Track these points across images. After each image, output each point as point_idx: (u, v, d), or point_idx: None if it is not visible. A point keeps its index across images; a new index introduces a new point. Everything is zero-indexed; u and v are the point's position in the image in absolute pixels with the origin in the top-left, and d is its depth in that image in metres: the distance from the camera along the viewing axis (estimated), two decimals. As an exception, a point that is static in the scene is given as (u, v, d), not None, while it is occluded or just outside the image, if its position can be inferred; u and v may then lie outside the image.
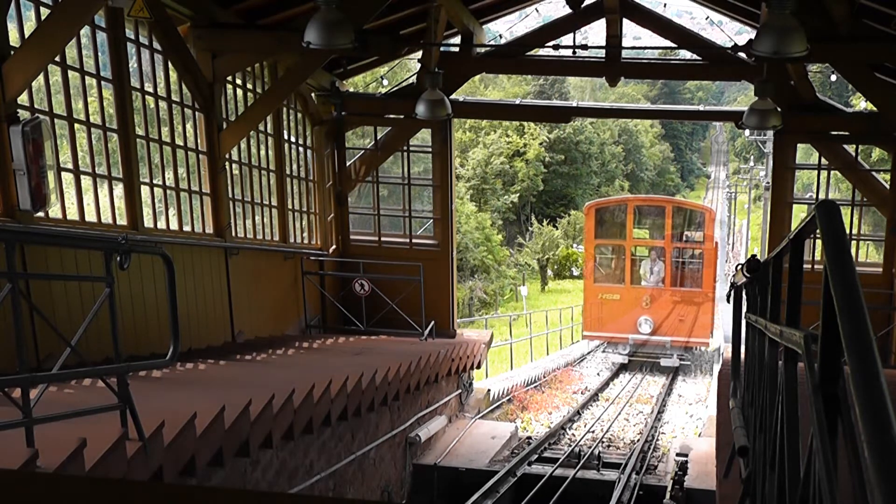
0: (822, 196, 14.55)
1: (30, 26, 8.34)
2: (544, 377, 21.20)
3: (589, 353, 27.12)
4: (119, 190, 9.74)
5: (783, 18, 8.65)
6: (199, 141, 11.49)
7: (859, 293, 1.97)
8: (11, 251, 4.09)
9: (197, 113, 11.40)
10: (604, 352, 25.63)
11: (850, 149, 14.15)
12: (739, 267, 7.98)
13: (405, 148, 15.32)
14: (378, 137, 15.29)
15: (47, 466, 4.15)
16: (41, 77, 8.25)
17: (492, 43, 15.62)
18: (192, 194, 11.30)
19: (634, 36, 28.23)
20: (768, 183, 23.83)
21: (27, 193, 7.70)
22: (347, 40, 9.23)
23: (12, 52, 7.76)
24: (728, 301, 9.27)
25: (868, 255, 16.82)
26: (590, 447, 14.10)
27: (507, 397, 17.94)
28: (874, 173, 14.66)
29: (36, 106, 8.32)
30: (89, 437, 4.47)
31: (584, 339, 25.80)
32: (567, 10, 14.30)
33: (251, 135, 12.61)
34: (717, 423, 9.53)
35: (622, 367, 24.36)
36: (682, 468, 12.03)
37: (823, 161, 14.30)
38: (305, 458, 8.27)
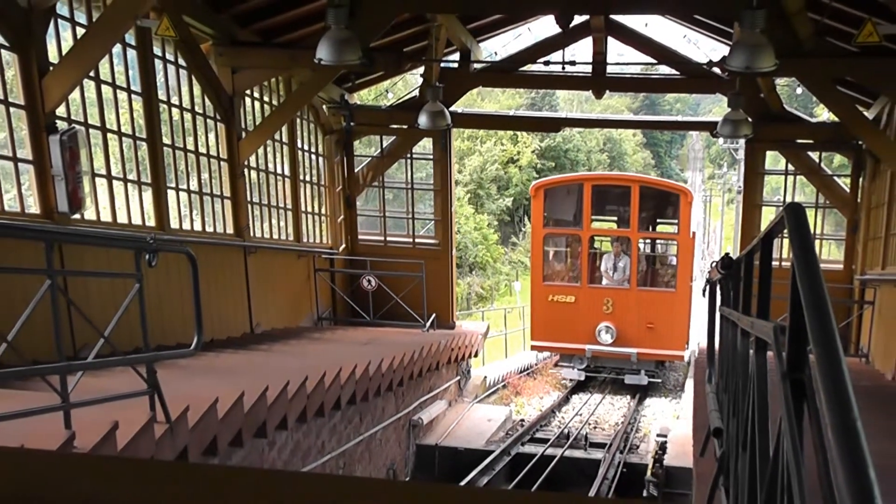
0: (789, 199, 14.53)
1: (67, 45, 8.34)
2: (536, 364, 21.17)
3: None
4: (148, 194, 9.74)
5: (754, 37, 8.66)
6: (220, 149, 11.49)
7: (823, 288, 1.97)
8: (50, 250, 4.09)
9: (218, 123, 11.39)
10: (556, 365, 19.05)
11: (814, 155, 14.17)
12: (714, 264, 7.99)
13: (408, 155, 15.30)
14: (383, 146, 15.28)
15: (83, 447, 4.16)
16: (77, 90, 8.25)
17: (488, 59, 15.62)
18: (214, 198, 11.30)
19: (618, 53, 27.85)
20: (740, 187, 23.63)
21: (64, 197, 7.72)
22: (356, 57, 9.24)
23: (51, 68, 7.78)
24: (704, 295, 9.29)
25: (830, 253, 16.78)
26: (577, 429, 14.10)
27: (502, 383, 17.92)
28: (836, 178, 14.70)
29: (72, 117, 8.33)
30: (121, 421, 4.48)
31: (532, 349, 19.23)
32: (557, 30, 14.27)
33: (268, 143, 12.60)
34: (693, 407, 9.54)
35: (578, 386, 18.50)
36: (662, 448, 12.04)
37: (790, 167, 14.30)
38: (318, 438, 8.27)
